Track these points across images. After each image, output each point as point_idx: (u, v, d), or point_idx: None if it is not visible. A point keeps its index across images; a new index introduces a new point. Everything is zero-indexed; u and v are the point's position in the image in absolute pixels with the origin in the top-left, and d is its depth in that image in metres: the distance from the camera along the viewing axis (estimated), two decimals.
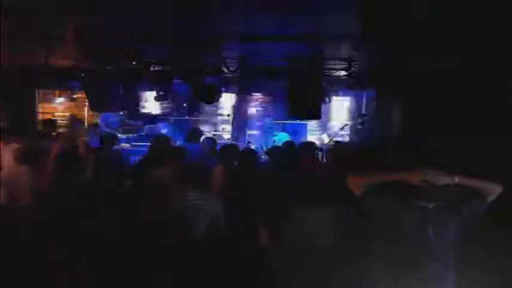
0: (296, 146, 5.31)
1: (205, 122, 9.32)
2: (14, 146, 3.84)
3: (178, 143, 7.25)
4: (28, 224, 3.51)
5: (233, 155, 4.34)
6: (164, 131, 7.87)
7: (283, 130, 8.62)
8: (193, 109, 9.09)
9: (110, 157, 4.84)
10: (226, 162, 4.19)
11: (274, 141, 7.61)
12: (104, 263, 3.33)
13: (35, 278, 3.24)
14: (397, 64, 5.40)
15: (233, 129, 9.08)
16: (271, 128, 8.72)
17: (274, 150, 5.23)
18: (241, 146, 7.73)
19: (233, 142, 8.01)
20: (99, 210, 3.51)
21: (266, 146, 7.40)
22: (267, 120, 8.92)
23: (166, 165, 4.03)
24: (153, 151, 4.75)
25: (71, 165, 3.69)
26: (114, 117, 8.24)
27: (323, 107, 7.04)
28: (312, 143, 5.26)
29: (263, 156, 5.91)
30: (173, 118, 8.94)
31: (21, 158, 3.76)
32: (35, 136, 4.63)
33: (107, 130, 7.84)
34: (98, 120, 8.28)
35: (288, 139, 7.96)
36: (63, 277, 3.33)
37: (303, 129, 8.84)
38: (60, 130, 7.94)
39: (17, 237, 3.44)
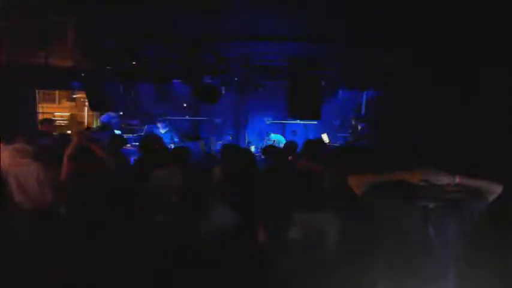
0: (296, 146, 5.30)
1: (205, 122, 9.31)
2: (15, 145, 3.86)
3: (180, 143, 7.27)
4: (40, 221, 3.56)
5: (234, 155, 4.31)
6: (164, 131, 7.84)
7: (283, 130, 8.62)
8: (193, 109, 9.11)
9: (117, 158, 4.78)
10: (227, 162, 4.16)
11: (274, 140, 7.61)
12: (106, 262, 3.33)
13: (40, 275, 3.26)
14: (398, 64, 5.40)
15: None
16: (269, 128, 8.74)
17: (270, 150, 5.23)
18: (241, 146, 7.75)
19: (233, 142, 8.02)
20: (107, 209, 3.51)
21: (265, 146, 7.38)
22: (266, 121, 8.92)
23: (166, 165, 4.02)
24: (143, 151, 4.63)
25: (88, 165, 3.69)
26: (117, 117, 8.21)
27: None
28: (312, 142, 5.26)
29: (262, 156, 5.91)
30: (173, 118, 8.94)
31: (30, 155, 3.78)
32: (36, 135, 4.62)
33: (116, 131, 7.81)
34: (108, 122, 8.22)
35: (282, 140, 7.96)
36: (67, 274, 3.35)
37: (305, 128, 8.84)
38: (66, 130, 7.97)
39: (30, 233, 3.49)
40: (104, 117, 8.11)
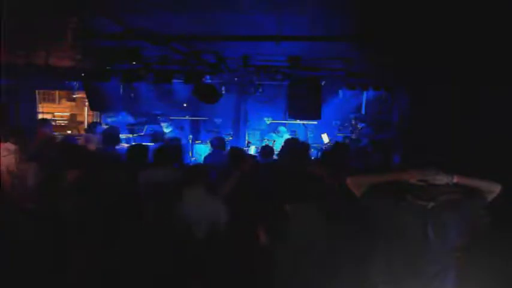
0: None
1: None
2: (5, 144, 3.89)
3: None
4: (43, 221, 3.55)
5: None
6: (168, 130, 7.86)
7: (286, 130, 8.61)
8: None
9: (107, 156, 4.78)
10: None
11: (274, 141, 7.60)
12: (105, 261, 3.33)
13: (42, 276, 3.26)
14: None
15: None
16: (269, 128, 8.73)
17: (267, 149, 5.25)
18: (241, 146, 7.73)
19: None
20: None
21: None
22: (266, 120, 8.92)
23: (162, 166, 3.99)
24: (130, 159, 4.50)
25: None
26: (126, 117, 8.24)
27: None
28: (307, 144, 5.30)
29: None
30: (174, 118, 8.95)
31: (31, 155, 3.80)
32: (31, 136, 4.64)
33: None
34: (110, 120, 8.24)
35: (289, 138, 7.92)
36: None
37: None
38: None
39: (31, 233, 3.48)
40: (113, 117, 8.12)
